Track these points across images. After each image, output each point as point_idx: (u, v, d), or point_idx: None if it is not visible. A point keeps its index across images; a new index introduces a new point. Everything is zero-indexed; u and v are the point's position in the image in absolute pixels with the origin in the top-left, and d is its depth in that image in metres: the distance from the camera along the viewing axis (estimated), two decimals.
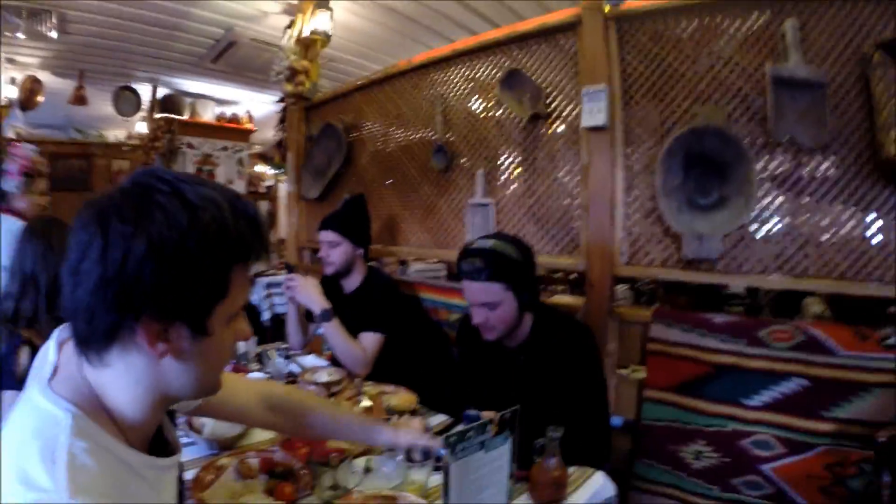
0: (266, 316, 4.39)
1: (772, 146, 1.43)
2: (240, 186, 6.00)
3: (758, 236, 1.47)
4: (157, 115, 5.29)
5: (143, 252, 0.51)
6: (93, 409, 0.56)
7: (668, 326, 1.55)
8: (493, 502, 0.94)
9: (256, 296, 4.40)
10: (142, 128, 5.57)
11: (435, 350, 2.16)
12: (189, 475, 1.08)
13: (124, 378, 0.57)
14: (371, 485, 1.07)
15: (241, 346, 1.86)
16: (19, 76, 4.41)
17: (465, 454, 0.88)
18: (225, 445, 1.26)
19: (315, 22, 2.91)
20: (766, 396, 1.32)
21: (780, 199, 1.43)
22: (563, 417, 1.12)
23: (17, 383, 1.04)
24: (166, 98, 5.34)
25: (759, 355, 1.35)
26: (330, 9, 2.96)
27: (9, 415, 0.57)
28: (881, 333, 1.20)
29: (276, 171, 6.89)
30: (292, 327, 2.14)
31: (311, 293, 1.89)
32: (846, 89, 1.26)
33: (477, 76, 2.21)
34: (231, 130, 5.80)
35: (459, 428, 0.91)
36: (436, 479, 1.08)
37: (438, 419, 1.49)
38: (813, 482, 1.23)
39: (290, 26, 3.05)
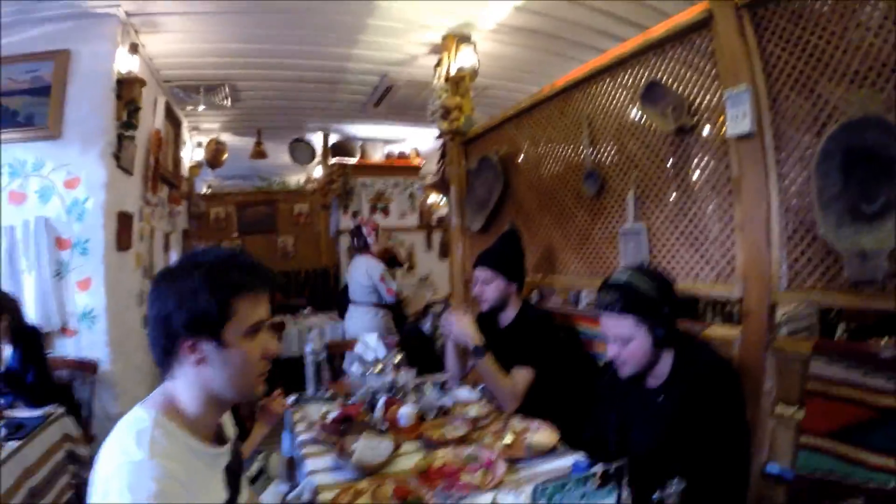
0: (438, 344, 5.06)
1: None
2: (412, 219, 7.18)
3: None
4: (331, 161, 6.61)
5: (174, 297, 0.97)
6: (169, 411, 0.99)
7: (829, 362, 1.53)
8: None
9: (429, 325, 5.15)
10: (318, 171, 6.97)
11: (586, 384, 2.32)
12: (330, 496, 1.45)
13: (184, 384, 1.01)
14: None
15: (400, 379, 2.30)
16: (204, 139, 5.99)
17: None
18: (369, 472, 1.59)
19: (460, 59, 3.43)
20: None
21: None
22: (694, 465, 1.23)
23: None
24: (337, 144, 6.65)
25: None
26: (473, 42, 3.46)
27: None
28: None
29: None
30: (451, 359, 2.54)
31: (466, 329, 2.22)
32: None
33: (617, 92, 2.39)
34: (400, 168, 7.05)
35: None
36: None
37: (573, 460, 1.62)
38: None
39: (438, 65, 3.64)
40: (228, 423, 1.22)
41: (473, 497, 1.41)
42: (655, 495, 1.13)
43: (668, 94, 2.10)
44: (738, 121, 1.80)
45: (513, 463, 1.63)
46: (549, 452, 1.70)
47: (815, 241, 1.66)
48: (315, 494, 1.54)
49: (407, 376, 2.35)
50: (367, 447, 1.63)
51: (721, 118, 1.90)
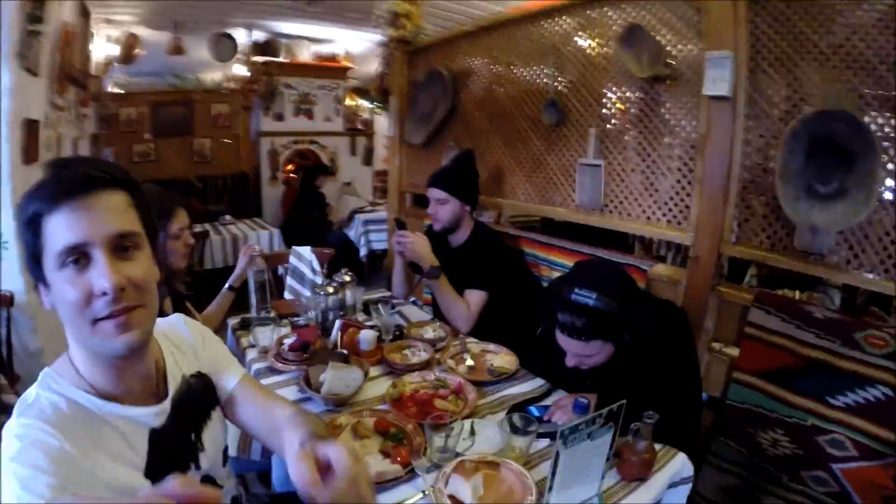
0: (363, 252, 5.02)
1: None
2: (338, 123, 6.72)
3: (872, 234, 1.56)
4: (255, 59, 5.93)
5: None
6: (64, 368, 0.84)
7: (768, 314, 1.73)
8: (592, 479, 1.13)
9: (354, 232, 5.02)
10: (239, 70, 6.25)
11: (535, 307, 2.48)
12: None
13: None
14: (476, 449, 1.27)
15: (349, 298, 2.17)
16: (115, 33, 5.14)
17: (575, 443, 1.04)
18: (340, 402, 1.51)
19: None
20: (851, 399, 1.50)
21: None
22: (657, 400, 1.30)
23: None
24: (263, 41, 5.94)
25: (851, 357, 1.52)
26: None
27: None
28: None
29: (373, 105, 7.38)
30: (397, 279, 2.51)
31: (421, 250, 2.15)
32: None
33: (594, 29, 2.31)
34: (328, 69, 6.46)
35: (575, 420, 1.06)
36: (537, 446, 1.31)
37: (535, 384, 1.72)
38: (877, 490, 1.43)
39: None
40: (176, 376, 0.99)
41: (450, 424, 1.39)
42: (633, 425, 1.22)
43: (647, 41, 2.07)
44: (715, 83, 1.85)
45: (479, 386, 1.65)
46: (511, 376, 1.75)
47: (766, 206, 1.82)
48: None
49: (356, 294, 2.24)
50: (337, 378, 1.52)
51: (698, 76, 1.93)
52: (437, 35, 3.29)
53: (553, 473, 1.05)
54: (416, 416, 1.44)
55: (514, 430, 1.28)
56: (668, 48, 2.03)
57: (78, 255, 0.77)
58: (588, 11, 2.32)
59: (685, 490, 1.34)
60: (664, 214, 2.13)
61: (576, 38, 2.39)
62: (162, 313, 0.97)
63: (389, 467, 1.21)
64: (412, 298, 2.64)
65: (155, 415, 0.90)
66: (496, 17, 2.79)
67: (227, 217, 5.33)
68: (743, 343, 1.79)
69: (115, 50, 5.21)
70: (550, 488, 1.06)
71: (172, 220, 1.84)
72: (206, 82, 6.61)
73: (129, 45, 5.15)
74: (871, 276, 1.58)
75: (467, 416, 1.46)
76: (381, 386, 1.65)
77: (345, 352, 1.76)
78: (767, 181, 1.79)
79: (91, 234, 0.77)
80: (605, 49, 2.27)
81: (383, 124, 7.86)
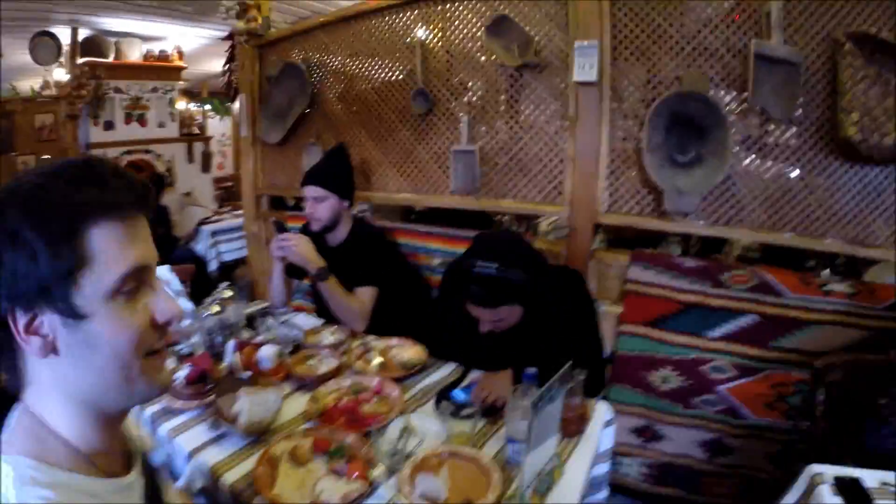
0: (213, 266, 4.33)
1: (744, 113, 1.69)
2: (172, 129, 5.79)
3: (727, 193, 1.76)
4: (80, 61, 4.85)
5: None
6: (41, 447, 0.56)
7: (645, 269, 1.84)
8: (551, 442, 1.11)
9: (202, 245, 4.32)
10: (60, 75, 5.10)
11: (419, 296, 2.33)
12: (237, 474, 1.12)
13: (40, 396, 0.58)
14: (425, 445, 1.17)
15: (232, 315, 1.80)
16: None
17: (542, 407, 1.01)
18: (262, 431, 1.26)
19: None
20: (724, 329, 1.67)
21: (748, 161, 1.72)
22: (569, 356, 1.26)
23: None
24: (88, 40, 4.92)
25: (720, 295, 1.69)
26: None
27: None
28: (820, 280, 1.55)
29: (205, 108, 6.55)
30: (276, 287, 2.16)
31: (305, 252, 1.92)
32: (816, 70, 1.53)
33: (461, 18, 2.26)
34: (160, 69, 5.53)
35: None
36: (479, 426, 1.26)
37: (448, 369, 1.64)
38: (760, 399, 1.62)
39: None
40: (134, 432, 0.74)
41: (388, 426, 1.28)
42: (564, 383, 1.18)
43: (515, 30, 2.09)
44: (584, 69, 1.93)
45: (398, 382, 1.52)
46: (424, 366, 1.65)
47: (633, 177, 1.95)
48: (215, 478, 1.15)
49: (238, 310, 1.89)
50: (255, 404, 1.26)
51: (566, 64, 2.00)
52: (290, 27, 2.97)
53: (529, 442, 1.01)
54: (348, 427, 1.28)
55: (454, 415, 1.24)
56: (538, 38, 2.06)
57: (139, 283, 0.58)
58: (456, 2, 2.26)
59: (611, 431, 1.39)
60: (539, 191, 2.16)
61: (442, 28, 2.32)
62: None
63: (351, 486, 1.06)
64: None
65: (134, 483, 0.66)
66: (357, 6, 2.59)
67: None
68: (626, 299, 1.89)
69: None
70: (526, 458, 1.02)
71: None
72: (24, 92, 5.24)
73: None
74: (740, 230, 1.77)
75: (399, 415, 1.35)
76: (296, 403, 1.44)
77: (250, 373, 1.50)
78: (634, 156, 1.92)
79: (150, 258, 0.60)
80: (474, 38, 2.24)
81: (217, 127, 6.98)
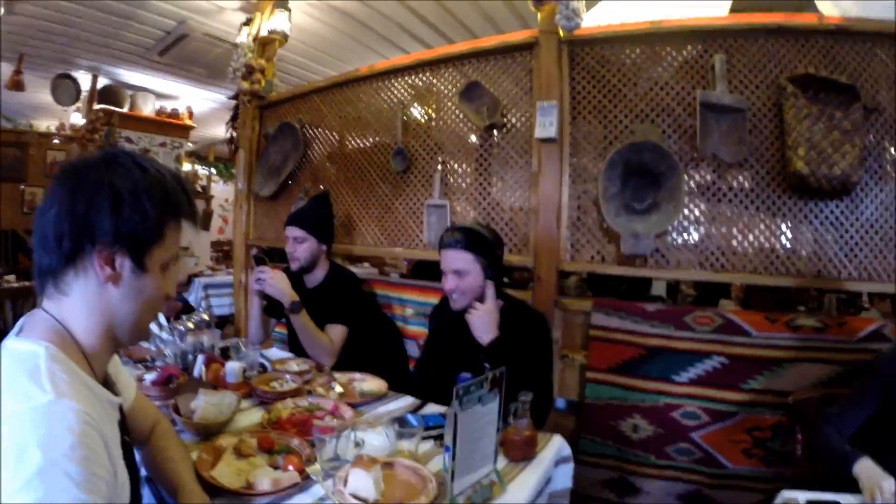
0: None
1: (697, 160, 1.61)
2: None
3: (683, 237, 1.64)
4: (97, 107, 4.89)
5: (108, 193, 0.65)
6: (62, 342, 0.66)
7: (608, 315, 1.68)
8: (487, 452, 1.01)
9: (194, 296, 4.13)
10: (76, 119, 5.12)
11: (389, 342, 2.22)
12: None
13: (80, 306, 0.68)
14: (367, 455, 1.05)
15: (206, 341, 1.75)
16: None
17: (469, 405, 0.95)
18: (213, 431, 1.19)
19: (274, 21, 2.84)
20: (691, 373, 1.48)
21: (704, 205, 1.61)
22: (522, 381, 1.20)
23: None
24: (106, 89, 4.96)
25: (685, 338, 1.51)
26: (288, 9, 2.91)
27: None
28: (788, 317, 1.38)
29: (210, 172, 6.58)
30: (254, 322, 2.06)
31: (281, 285, 1.86)
32: (762, 114, 1.47)
33: (438, 85, 2.27)
34: (170, 126, 5.52)
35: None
36: (423, 447, 1.15)
37: (406, 402, 1.53)
38: (737, 446, 1.39)
39: (247, 24, 2.96)
40: (124, 378, 0.87)
41: (335, 437, 1.15)
42: (511, 404, 1.14)
43: (485, 95, 2.09)
44: (545, 127, 1.89)
45: (353, 407, 1.41)
46: (382, 397, 1.54)
47: (595, 225, 1.84)
48: None
49: (213, 337, 1.81)
50: (210, 404, 1.21)
51: (529, 123, 1.97)
52: (289, 90, 2.99)
53: (454, 438, 0.92)
54: (296, 435, 1.17)
55: (400, 435, 1.15)
56: (505, 101, 2.05)
57: (172, 265, 0.76)
58: (431, 70, 2.28)
59: (569, 469, 1.26)
60: (507, 242, 2.04)
61: (421, 94, 2.32)
62: None
63: (284, 474, 1.00)
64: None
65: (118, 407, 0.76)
66: (347, 74, 2.62)
67: None
68: (590, 345, 1.71)
69: None
70: (454, 456, 0.94)
71: None
72: (40, 129, 5.22)
73: None
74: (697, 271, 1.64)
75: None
76: (254, 415, 1.36)
77: (213, 385, 1.43)
78: (593, 206, 1.83)
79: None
80: (448, 102, 2.23)
81: (221, 192, 6.96)
